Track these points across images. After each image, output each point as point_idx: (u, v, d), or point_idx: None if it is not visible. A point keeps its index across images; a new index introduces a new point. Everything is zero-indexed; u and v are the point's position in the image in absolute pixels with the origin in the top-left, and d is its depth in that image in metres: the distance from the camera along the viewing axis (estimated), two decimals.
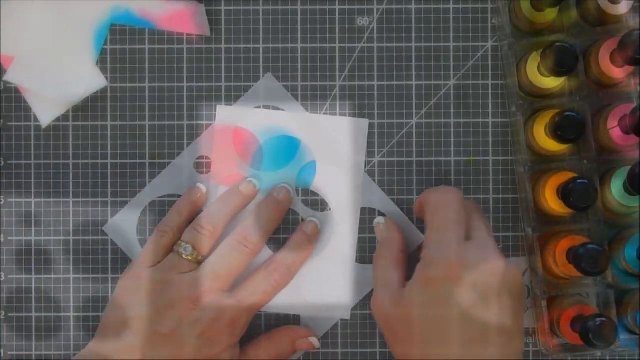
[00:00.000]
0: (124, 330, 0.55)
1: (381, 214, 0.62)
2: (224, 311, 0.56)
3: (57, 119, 0.62)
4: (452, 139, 0.62)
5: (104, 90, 0.62)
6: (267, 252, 0.62)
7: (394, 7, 0.62)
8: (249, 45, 0.62)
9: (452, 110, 0.62)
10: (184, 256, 0.57)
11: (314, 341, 0.60)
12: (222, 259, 0.57)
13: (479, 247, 0.53)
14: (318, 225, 0.61)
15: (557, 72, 0.56)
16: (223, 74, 0.62)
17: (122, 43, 0.62)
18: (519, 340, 0.54)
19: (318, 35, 0.62)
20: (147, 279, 0.56)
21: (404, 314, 0.53)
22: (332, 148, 0.62)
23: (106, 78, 0.62)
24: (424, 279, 0.53)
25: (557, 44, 0.55)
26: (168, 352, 0.55)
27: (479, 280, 0.52)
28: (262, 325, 0.62)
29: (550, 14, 0.59)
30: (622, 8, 0.58)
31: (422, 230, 0.61)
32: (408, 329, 0.53)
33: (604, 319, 0.55)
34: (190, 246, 0.57)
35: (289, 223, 0.62)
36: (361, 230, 0.62)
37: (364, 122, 0.62)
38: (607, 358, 0.62)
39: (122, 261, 0.62)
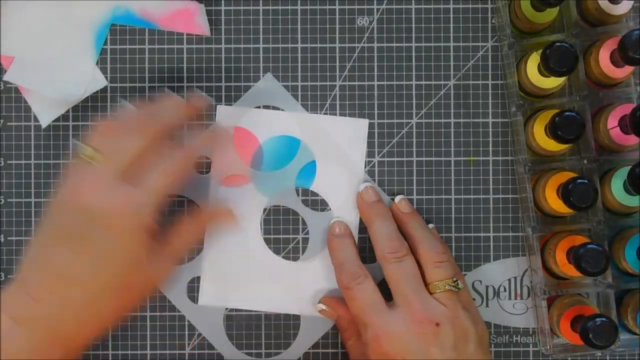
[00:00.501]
0: (35, 247, 0.54)
1: None
2: (123, 194, 0.53)
3: (57, 119, 0.62)
4: (452, 139, 0.62)
5: (104, 90, 0.62)
6: (266, 251, 0.62)
7: (394, 7, 0.62)
8: (249, 45, 0.62)
9: (452, 110, 0.62)
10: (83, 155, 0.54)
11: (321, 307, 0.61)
12: (115, 147, 0.54)
13: (401, 314, 0.56)
14: (204, 97, 0.59)
15: (557, 72, 0.56)
16: (223, 74, 0.62)
17: (122, 43, 0.62)
18: None
19: (318, 35, 0.62)
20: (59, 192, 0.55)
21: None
22: (332, 148, 0.62)
23: (106, 78, 0.62)
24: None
25: (557, 44, 0.55)
26: (72, 251, 0.52)
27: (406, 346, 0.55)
28: (262, 325, 0.62)
29: (550, 14, 0.59)
30: (622, 8, 0.58)
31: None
32: None
33: (604, 319, 0.55)
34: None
35: (289, 223, 0.62)
36: (361, 230, 0.62)
37: (364, 122, 0.62)
38: (607, 358, 0.62)
39: None
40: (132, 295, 0.55)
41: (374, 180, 0.62)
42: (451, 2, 0.62)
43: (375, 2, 0.62)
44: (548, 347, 0.60)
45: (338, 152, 0.62)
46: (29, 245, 0.54)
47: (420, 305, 0.55)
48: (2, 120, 0.62)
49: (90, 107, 0.62)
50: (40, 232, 0.54)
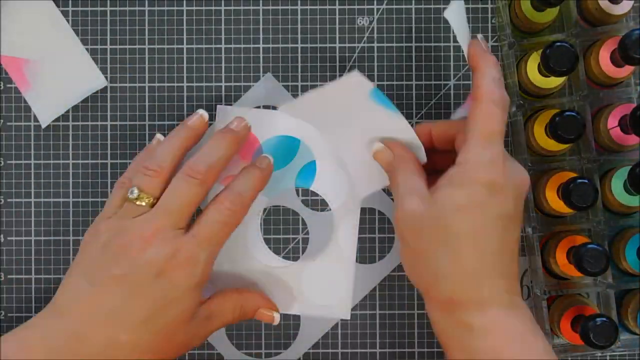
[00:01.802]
0: (81, 280, 0.52)
1: (381, 213, 0.62)
2: (180, 247, 0.52)
3: (57, 119, 0.62)
4: None
5: (104, 90, 0.62)
6: (266, 251, 0.62)
7: (394, 7, 0.62)
8: (249, 45, 0.62)
9: (452, 110, 0.62)
10: (135, 202, 0.53)
11: (276, 317, 0.59)
12: (171, 195, 0.54)
13: (513, 161, 0.54)
14: (271, 161, 0.58)
15: (557, 72, 0.56)
16: (223, 74, 0.62)
17: (122, 43, 0.62)
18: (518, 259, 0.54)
19: (318, 35, 0.62)
20: (104, 229, 0.54)
21: (440, 214, 0.51)
22: (333, 146, 0.61)
23: (106, 78, 0.62)
24: (467, 180, 0.51)
25: (557, 43, 0.55)
26: (123, 296, 0.52)
27: (516, 192, 0.52)
28: (261, 325, 0.62)
29: (550, 14, 0.59)
30: (622, 8, 0.58)
31: None
32: (440, 229, 0.51)
33: (604, 319, 0.55)
34: (136, 189, 0.53)
35: (289, 223, 0.62)
36: (361, 230, 0.62)
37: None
38: (607, 358, 0.62)
39: None
40: (170, 351, 0.54)
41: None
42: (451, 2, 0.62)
43: (375, 2, 0.62)
44: None
45: (338, 151, 0.61)
46: (71, 276, 0.53)
47: None
48: (2, 120, 0.62)
49: (90, 107, 0.62)
50: (88, 267, 0.53)
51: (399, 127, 0.57)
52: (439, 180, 0.53)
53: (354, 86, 0.55)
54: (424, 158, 0.56)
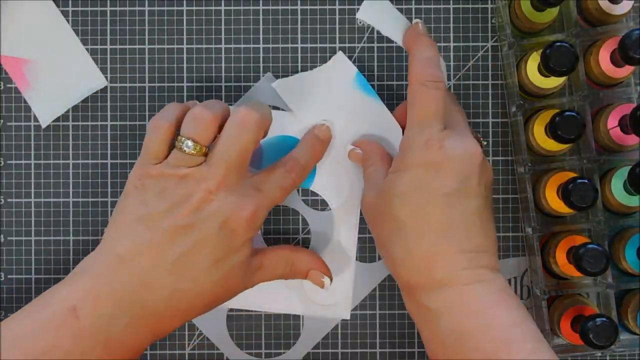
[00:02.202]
0: (138, 227, 0.53)
1: None
2: (245, 201, 0.53)
3: (57, 119, 0.62)
4: None
5: (104, 90, 0.62)
6: None
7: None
8: (249, 45, 0.62)
9: None
10: (187, 152, 0.53)
11: (326, 282, 0.58)
12: (230, 145, 0.53)
13: (458, 135, 0.54)
14: (330, 128, 0.60)
15: (557, 72, 0.56)
16: (223, 74, 0.62)
17: (122, 43, 0.62)
18: (493, 230, 0.55)
19: (318, 35, 0.62)
20: (158, 175, 0.53)
21: (386, 202, 0.53)
22: (332, 146, 0.61)
23: (106, 78, 0.62)
24: (405, 166, 0.53)
25: (557, 43, 0.55)
26: (189, 245, 0.52)
27: (459, 167, 0.53)
28: (262, 325, 0.62)
29: (550, 14, 0.59)
30: (622, 8, 0.58)
31: None
32: (392, 218, 0.53)
33: (604, 319, 0.55)
34: (190, 141, 0.53)
35: (289, 223, 0.62)
36: (361, 230, 0.62)
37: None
38: (607, 358, 0.62)
39: None
40: (226, 295, 0.55)
41: None
42: (451, 2, 0.62)
43: None
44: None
45: (338, 151, 0.61)
46: (124, 222, 0.53)
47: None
48: (2, 120, 0.62)
49: (90, 107, 0.62)
50: (144, 214, 0.53)
51: (378, 112, 0.60)
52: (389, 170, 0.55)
53: (339, 69, 0.60)
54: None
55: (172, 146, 0.54)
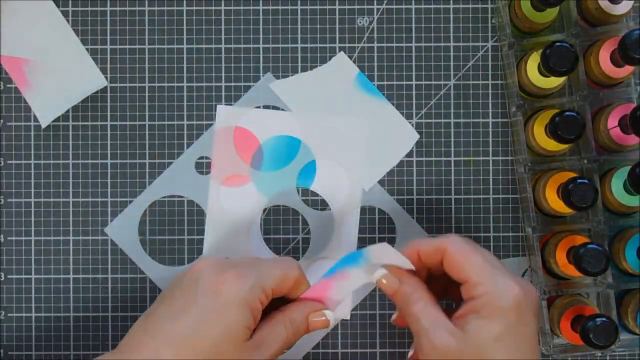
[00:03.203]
0: None
1: (381, 212, 0.62)
2: None
3: (57, 119, 0.62)
4: (452, 139, 0.62)
5: (104, 90, 0.62)
6: (266, 251, 0.62)
7: (394, 7, 0.62)
8: (249, 45, 0.62)
9: (452, 110, 0.62)
10: None
11: (330, 317, 0.55)
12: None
13: (514, 274, 0.53)
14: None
15: (557, 72, 0.56)
16: (223, 74, 0.62)
17: (122, 43, 0.62)
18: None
19: (318, 35, 0.62)
20: None
21: (476, 350, 0.51)
22: (333, 146, 0.61)
23: (106, 78, 0.62)
24: (495, 311, 0.51)
25: (557, 43, 0.55)
26: None
27: (534, 307, 0.52)
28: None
29: (550, 14, 0.59)
30: (622, 8, 0.58)
31: (423, 228, 0.61)
32: None
33: (604, 319, 0.55)
34: None
35: (289, 223, 0.62)
36: (361, 230, 0.62)
37: (364, 122, 0.62)
38: (607, 358, 0.62)
39: (122, 261, 0.62)
40: None
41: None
42: (451, 2, 0.62)
43: (375, 2, 0.62)
44: (548, 347, 0.60)
45: (338, 151, 0.61)
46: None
47: None
48: (2, 120, 0.62)
49: (90, 107, 0.62)
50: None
51: (382, 110, 0.59)
52: (460, 313, 0.52)
53: (339, 70, 0.59)
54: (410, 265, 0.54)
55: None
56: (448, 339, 0.51)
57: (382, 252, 0.54)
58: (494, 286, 0.52)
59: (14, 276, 0.62)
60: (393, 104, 0.62)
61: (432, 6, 0.62)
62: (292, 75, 0.62)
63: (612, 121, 0.59)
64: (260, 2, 0.62)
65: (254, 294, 0.51)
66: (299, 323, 0.54)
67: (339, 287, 0.55)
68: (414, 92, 0.62)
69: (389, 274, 0.54)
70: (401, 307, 0.54)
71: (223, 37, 0.62)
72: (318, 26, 0.62)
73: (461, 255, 0.52)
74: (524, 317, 0.52)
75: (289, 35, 0.62)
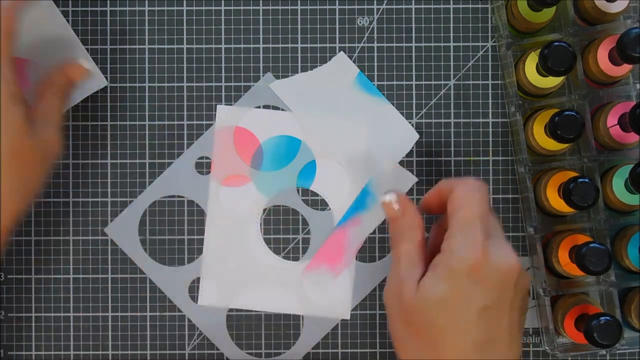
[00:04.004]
0: None
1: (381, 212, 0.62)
2: None
3: None
4: (452, 139, 0.62)
5: (104, 90, 0.62)
6: (266, 251, 0.62)
7: (394, 7, 0.62)
8: (249, 45, 0.62)
9: (452, 110, 0.62)
10: None
11: (83, 62, 0.59)
12: None
13: (500, 246, 0.52)
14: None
15: (555, 71, 0.56)
16: (223, 74, 0.62)
17: (122, 43, 0.62)
18: (518, 345, 0.52)
19: (318, 35, 0.62)
20: None
21: (423, 304, 0.50)
22: (333, 147, 0.62)
23: (106, 78, 0.62)
24: (447, 271, 0.50)
25: (555, 43, 0.55)
26: None
27: (500, 279, 0.50)
28: (262, 325, 0.62)
29: (547, 14, 0.59)
30: (618, 6, 0.58)
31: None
32: (425, 321, 0.51)
33: (608, 317, 0.55)
34: None
35: (289, 223, 0.62)
36: None
37: (364, 121, 0.62)
38: (607, 357, 0.62)
39: (122, 261, 0.62)
40: (31, 164, 0.54)
41: None
42: (451, 2, 0.62)
43: (375, 2, 0.62)
44: (552, 346, 0.60)
45: (338, 151, 0.61)
46: None
47: None
48: None
49: (90, 107, 0.62)
50: None
51: (382, 110, 0.59)
52: (429, 267, 0.52)
53: (340, 70, 0.59)
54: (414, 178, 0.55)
55: None
56: (408, 290, 0.51)
57: (386, 175, 0.55)
58: (456, 244, 0.50)
59: (14, 276, 0.62)
60: (393, 104, 0.62)
61: (432, 6, 0.62)
62: (292, 75, 0.62)
63: (612, 119, 0.59)
64: (260, 2, 0.62)
65: (11, 79, 0.53)
66: (62, 81, 0.58)
67: (354, 234, 0.57)
68: (414, 92, 0.62)
69: (396, 200, 0.54)
70: (392, 237, 0.54)
71: (223, 37, 0.62)
72: (318, 26, 0.62)
73: (457, 202, 0.52)
74: (480, 286, 0.50)
75: (289, 35, 0.62)
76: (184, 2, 0.62)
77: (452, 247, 0.51)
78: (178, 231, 0.62)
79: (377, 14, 0.62)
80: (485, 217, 0.51)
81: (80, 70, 0.59)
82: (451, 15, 0.62)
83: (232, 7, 0.62)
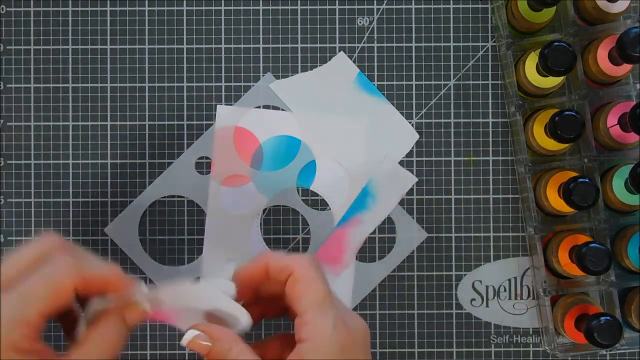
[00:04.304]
0: None
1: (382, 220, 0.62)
2: None
3: (57, 119, 0.62)
4: (452, 139, 0.62)
5: (104, 90, 0.62)
6: (266, 251, 0.62)
7: (394, 7, 0.62)
8: (249, 45, 0.62)
9: (452, 110, 0.62)
10: None
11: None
12: None
13: (348, 313, 0.49)
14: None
15: (555, 71, 0.56)
16: (223, 74, 0.62)
17: (122, 43, 0.62)
18: None
19: (318, 35, 0.62)
20: None
21: None
22: (332, 146, 0.62)
23: (106, 78, 0.62)
24: (320, 354, 0.46)
25: (555, 43, 0.55)
26: None
27: (363, 346, 0.49)
28: (261, 324, 0.62)
29: (547, 14, 0.59)
30: (619, 6, 0.58)
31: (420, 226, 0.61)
32: None
33: (608, 317, 0.55)
34: None
35: (289, 223, 0.62)
36: None
37: (364, 120, 0.62)
38: (607, 357, 0.62)
39: (122, 261, 0.62)
40: None
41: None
42: (451, 2, 0.62)
43: (375, 2, 0.62)
44: (552, 346, 0.60)
45: (338, 151, 0.61)
46: None
47: None
48: (2, 120, 0.62)
49: (90, 107, 0.62)
50: None
51: (382, 110, 0.59)
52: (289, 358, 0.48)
53: (340, 70, 0.59)
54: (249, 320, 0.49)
55: None
56: None
57: (386, 175, 0.55)
58: (319, 327, 0.47)
59: None
60: (393, 104, 0.62)
61: (432, 6, 0.62)
62: (292, 75, 0.62)
63: (612, 119, 0.59)
64: (260, 2, 0.62)
65: (20, 331, 0.45)
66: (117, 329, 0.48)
67: (354, 234, 0.58)
68: (414, 92, 0.62)
69: (200, 334, 0.48)
70: None
71: (223, 37, 0.62)
72: (318, 26, 0.62)
73: (303, 284, 0.48)
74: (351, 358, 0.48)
75: (289, 35, 0.62)
76: (184, 2, 0.62)
77: (316, 331, 0.47)
78: (178, 231, 0.62)
79: (377, 14, 0.62)
80: (330, 292, 0.49)
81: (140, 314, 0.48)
82: (451, 15, 0.62)
83: (232, 7, 0.62)
